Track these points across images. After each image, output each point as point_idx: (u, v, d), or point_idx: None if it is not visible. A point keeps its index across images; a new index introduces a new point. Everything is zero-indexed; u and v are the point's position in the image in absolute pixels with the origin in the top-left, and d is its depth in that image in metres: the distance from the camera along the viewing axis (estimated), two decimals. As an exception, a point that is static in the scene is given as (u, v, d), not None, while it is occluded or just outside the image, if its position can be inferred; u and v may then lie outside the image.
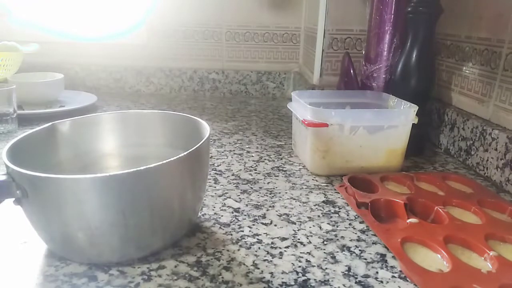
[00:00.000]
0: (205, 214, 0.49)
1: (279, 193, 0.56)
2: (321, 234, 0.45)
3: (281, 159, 0.69)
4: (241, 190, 0.56)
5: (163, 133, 0.52)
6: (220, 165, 0.65)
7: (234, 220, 0.48)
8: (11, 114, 0.78)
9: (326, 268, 0.39)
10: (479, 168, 0.64)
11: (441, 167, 0.67)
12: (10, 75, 0.97)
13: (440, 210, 0.49)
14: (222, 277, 0.37)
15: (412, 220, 0.47)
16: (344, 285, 0.37)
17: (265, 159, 0.69)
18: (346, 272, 0.39)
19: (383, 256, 0.42)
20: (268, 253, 0.41)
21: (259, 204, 0.52)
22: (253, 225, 0.47)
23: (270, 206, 0.52)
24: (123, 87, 1.22)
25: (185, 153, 0.38)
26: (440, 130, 0.76)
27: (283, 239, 0.44)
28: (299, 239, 0.44)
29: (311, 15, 1.07)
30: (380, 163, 0.62)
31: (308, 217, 0.49)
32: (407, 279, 0.38)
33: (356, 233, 0.46)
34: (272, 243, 0.43)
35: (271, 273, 0.38)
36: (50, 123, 0.46)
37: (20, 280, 0.36)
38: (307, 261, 0.40)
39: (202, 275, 0.37)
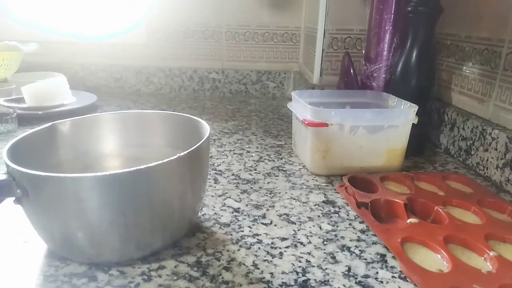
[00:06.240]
0: (205, 214, 0.49)
1: (279, 193, 0.56)
2: (321, 234, 0.45)
3: (281, 159, 0.69)
4: (241, 190, 0.56)
5: (163, 133, 0.52)
6: (220, 165, 0.65)
7: (234, 220, 0.48)
8: (11, 114, 0.78)
9: (326, 268, 0.39)
10: (479, 168, 0.64)
11: (441, 167, 0.67)
12: (10, 75, 0.97)
13: (440, 210, 0.49)
14: (222, 277, 0.37)
15: (412, 220, 0.47)
16: (344, 285, 0.37)
17: (265, 159, 0.69)
18: (346, 272, 0.39)
19: (383, 256, 0.42)
20: (268, 253, 0.41)
21: (259, 204, 0.52)
22: (253, 225, 0.47)
23: (270, 206, 0.52)
24: (123, 87, 1.22)
25: (185, 152, 0.38)
26: (440, 130, 0.76)
27: (283, 239, 0.44)
28: (299, 239, 0.44)
29: (311, 15, 1.07)
30: (380, 163, 0.62)
31: (308, 217, 0.49)
32: (407, 279, 0.38)
33: (356, 233, 0.46)
34: (272, 243, 0.43)
35: (271, 273, 0.38)
36: (50, 123, 0.46)
37: (20, 280, 0.36)
38: (307, 261, 0.40)
39: (202, 275, 0.37)
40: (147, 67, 1.21)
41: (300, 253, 0.42)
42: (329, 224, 0.48)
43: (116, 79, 1.22)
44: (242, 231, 0.45)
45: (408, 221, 0.47)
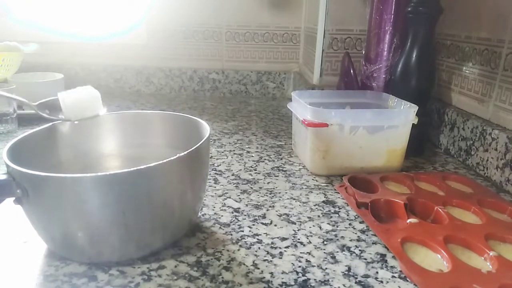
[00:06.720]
0: (205, 214, 0.49)
1: (279, 193, 0.56)
2: (321, 234, 0.45)
3: (281, 159, 0.69)
4: (241, 190, 0.56)
5: (163, 133, 0.52)
6: (220, 165, 0.65)
7: (234, 220, 0.48)
8: (11, 114, 0.78)
9: (326, 268, 0.39)
10: (479, 168, 0.64)
11: (441, 167, 0.67)
12: (10, 76, 0.97)
13: (440, 210, 0.49)
14: (222, 277, 0.37)
15: (412, 220, 0.47)
16: (344, 285, 0.37)
17: (265, 159, 0.69)
18: (346, 272, 0.39)
19: (383, 256, 0.42)
20: (268, 253, 0.41)
21: (259, 204, 0.52)
22: (253, 225, 0.47)
23: (270, 206, 0.52)
24: (123, 87, 1.22)
25: (185, 152, 0.38)
26: (440, 130, 0.76)
27: (283, 239, 0.44)
28: (299, 239, 0.44)
29: (311, 15, 1.07)
30: (380, 163, 0.62)
31: (308, 217, 0.49)
32: (407, 279, 0.38)
33: (356, 233, 0.46)
34: (272, 243, 0.43)
35: (271, 273, 0.38)
36: (50, 123, 0.46)
37: (20, 280, 0.36)
38: (307, 261, 0.40)
39: (202, 275, 0.37)
40: (147, 67, 1.21)
41: (300, 253, 0.42)
42: (329, 224, 0.48)
43: (116, 79, 1.22)
44: (242, 231, 0.45)
45: (408, 221, 0.47)
